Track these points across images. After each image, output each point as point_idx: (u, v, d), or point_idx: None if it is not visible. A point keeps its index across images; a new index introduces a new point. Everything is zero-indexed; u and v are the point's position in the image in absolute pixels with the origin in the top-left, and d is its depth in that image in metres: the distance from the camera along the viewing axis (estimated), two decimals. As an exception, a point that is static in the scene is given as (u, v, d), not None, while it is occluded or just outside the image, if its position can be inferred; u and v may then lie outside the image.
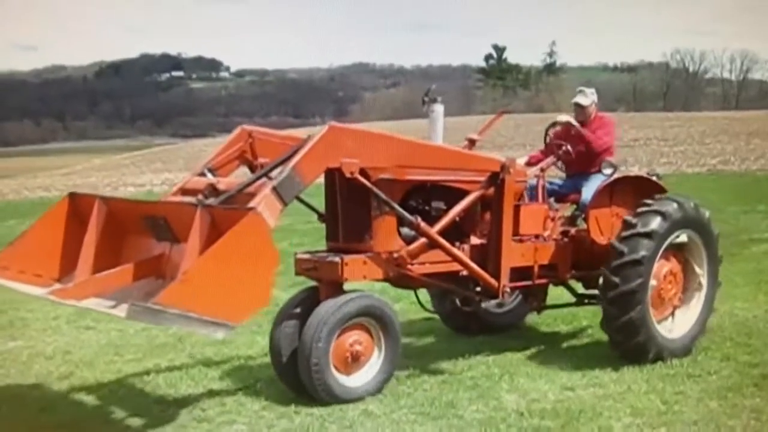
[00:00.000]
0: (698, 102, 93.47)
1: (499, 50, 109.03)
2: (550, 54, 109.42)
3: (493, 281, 7.18)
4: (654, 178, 8.10)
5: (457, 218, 7.16)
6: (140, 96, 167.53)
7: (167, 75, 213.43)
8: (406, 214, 6.66)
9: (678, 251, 7.84)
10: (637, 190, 7.89)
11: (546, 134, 8.67)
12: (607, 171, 8.00)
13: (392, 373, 6.72)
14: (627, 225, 7.41)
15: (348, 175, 6.33)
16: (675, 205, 7.56)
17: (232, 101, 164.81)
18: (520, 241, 7.59)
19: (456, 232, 7.21)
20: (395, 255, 6.71)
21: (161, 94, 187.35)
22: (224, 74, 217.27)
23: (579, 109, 8.52)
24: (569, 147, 8.32)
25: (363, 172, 6.47)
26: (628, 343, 7.38)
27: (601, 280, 7.61)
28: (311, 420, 6.23)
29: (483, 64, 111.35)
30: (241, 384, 7.16)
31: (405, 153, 6.73)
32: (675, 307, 7.88)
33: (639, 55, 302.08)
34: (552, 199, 8.19)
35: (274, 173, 6.35)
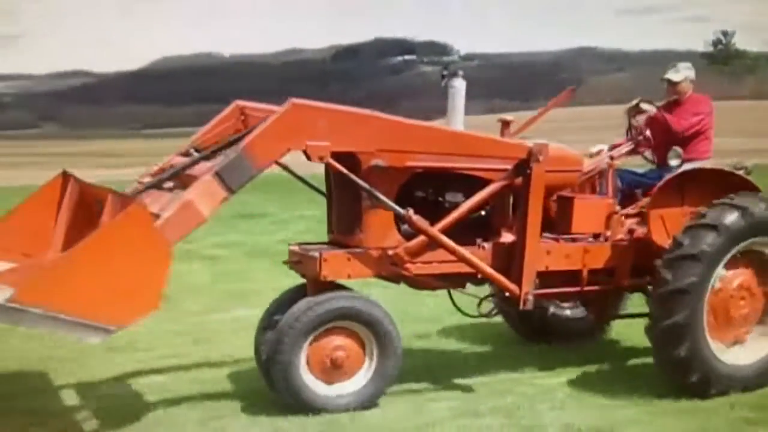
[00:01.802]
0: None
1: (728, 35, 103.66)
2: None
3: (512, 287, 6.32)
4: (740, 172, 7.01)
5: (482, 212, 6.47)
6: (371, 79, 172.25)
7: (400, 58, 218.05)
8: (396, 207, 5.91)
9: (763, 264, 6.72)
10: (717, 186, 6.72)
11: (628, 118, 7.62)
12: (674, 162, 7.04)
13: (385, 386, 6.06)
14: (695, 217, 6.46)
15: (316, 160, 5.66)
16: (736, 213, 6.39)
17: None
18: (573, 240, 6.69)
19: (479, 228, 6.44)
20: (390, 252, 6.01)
21: (392, 77, 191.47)
22: (453, 58, 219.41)
23: (670, 86, 7.58)
24: (648, 132, 7.39)
25: (351, 156, 5.81)
26: (669, 355, 6.35)
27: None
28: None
29: (708, 49, 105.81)
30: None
31: (397, 136, 5.95)
32: (746, 331, 6.71)
33: None
34: (639, 191, 7.31)
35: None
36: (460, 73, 6.61)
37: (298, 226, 16.13)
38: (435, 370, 7.24)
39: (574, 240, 6.74)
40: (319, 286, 6.00)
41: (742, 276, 6.61)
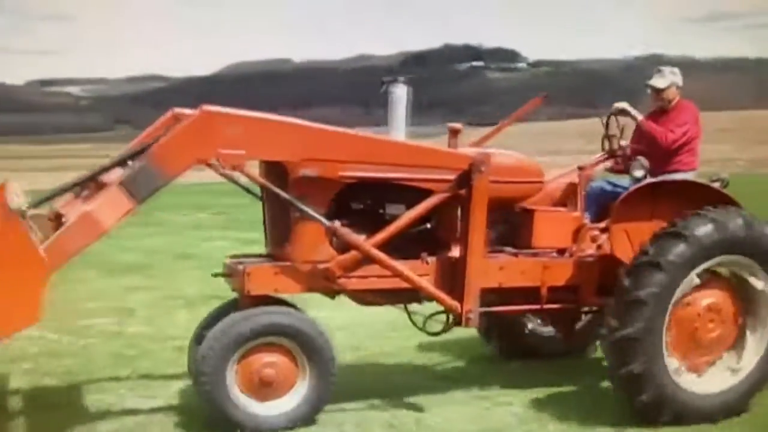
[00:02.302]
0: None
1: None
2: None
3: (453, 303, 5.84)
4: (716, 184, 6.35)
5: (428, 225, 6.01)
6: (438, 84, 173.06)
7: (467, 65, 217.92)
8: (322, 219, 5.54)
9: (730, 280, 6.05)
10: (691, 200, 6.00)
11: (605, 125, 6.77)
12: (638, 173, 6.33)
13: (321, 404, 5.67)
14: (640, 252, 5.77)
15: (228, 169, 5.37)
16: (710, 225, 5.68)
17: (525, 91, 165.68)
18: (535, 255, 6.22)
19: (425, 242, 5.99)
20: (321, 266, 5.64)
21: (459, 82, 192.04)
22: (521, 65, 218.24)
23: (655, 93, 6.84)
24: (623, 142, 6.70)
25: (280, 166, 5.59)
26: (621, 370, 5.70)
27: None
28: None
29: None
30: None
31: (324, 145, 5.59)
32: (712, 359, 5.99)
33: None
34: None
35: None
36: (401, 79, 6.15)
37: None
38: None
39: (535, 255, 6.20)
40: (249, 300, 5.65)
41: (714, 297, 5.91)
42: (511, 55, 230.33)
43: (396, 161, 5.75)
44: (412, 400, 6.26)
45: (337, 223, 5.55)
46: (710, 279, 5.90)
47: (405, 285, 5.82)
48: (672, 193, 6.09)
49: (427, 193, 5.85)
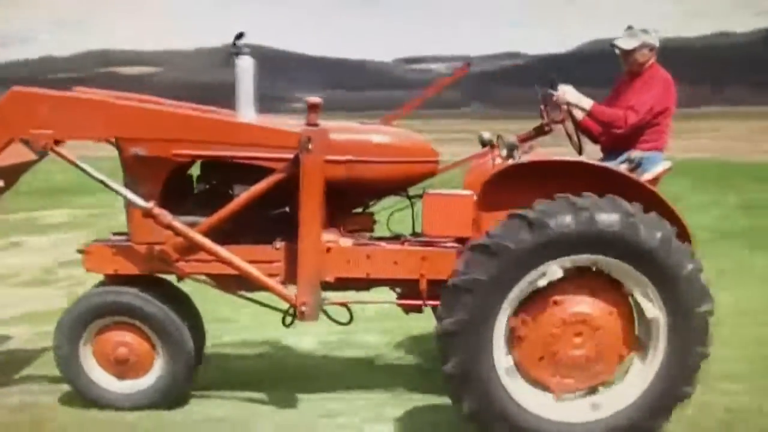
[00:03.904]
0: None
1: None
2: None
3: (288, 295, 5.39)
4: (623, 167, 5.33)
5: (287, 208, 5.54)
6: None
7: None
8: (137, 199, 5.37)
9: (605, 286, 4.77)
10: (595, 186, 4.78)
11: (544, 96, 5.75)
12: (505, 153, 5.56)
13: (176, 389, 5.57)
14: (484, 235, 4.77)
15: (39, 148, 5.42)
16: (569, 214, 4.53)
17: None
18: (427, 244, 5.44)
19: (283, 226, 5.51)
20: (157, 248, 5.46)
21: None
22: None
23: (623, 56, 5.75)
24: (554, 115, 5.70)
25: (117, 145, 5.44)
26: (444, 362, 4.70)
27: None
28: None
29: None
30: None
31: (141, 123, 5.39)
32: (575, 384, 4.78)
33: None
34: None
35: None
36: (247, 50, 5.57)
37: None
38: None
39: (428, 244, 5.47)
40: (111, 279, 5.60)
41: (583, 305, 4.71)
42: None
43: (222, 139, 5.41)
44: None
45: (152, 204, 5.31)
46: (606, 290, 4.73)
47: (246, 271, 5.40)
48: (567, 176, 4.94)
49: (269, 173, 5.42)
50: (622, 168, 5.22)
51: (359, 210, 5.79)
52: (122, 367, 5.52)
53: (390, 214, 5.84)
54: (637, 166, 5.38)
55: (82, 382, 5.53)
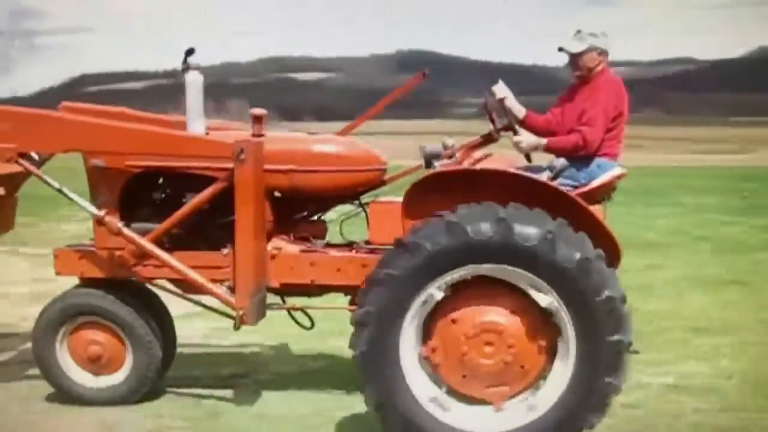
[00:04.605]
0: None
1: None
2: None
3: (228, 299, 5.55)
4: (545, 174, 5.20)
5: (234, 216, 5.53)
6: None
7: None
8: (88, 206, 5.68)
9: (502, 291, 4.71)
10: (516, 194, 4.74)
11: (490, 103, 5.56)
12: (426, 162, 5.49)
13: (140, 387, 5.81)
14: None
15: (3, 161, 5.65)
16: (443, 232, 4.54)
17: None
18: (376, 251, 5.48)
19: (228, 232, 5.59)
20: (117, 253, 5.69)
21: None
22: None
23: (571, 60, 5.46)
24: (501, 122, 5.52)
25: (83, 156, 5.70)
26: (353, 345, 4.77)
27: None
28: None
29: None
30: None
31: (91, 137, 5.64)
32: (492, 395, 4.78)
33: None
34: None
35: None
36: (195, 64, 5.69)
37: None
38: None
39: (376, 252, 5.51)
40: (84, 281, 5.88)
41: (482, 315, 4.68)
42: None
43: (167, 151, 5.62)
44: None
45: (103, 212, 5.57)
46: (497, 295, 4.69)
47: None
48: (485, 186, 4.85)
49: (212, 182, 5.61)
50: (544, 176, 5.06)
51: (314, 218, 5.99)
52: (96, 365, 5.80)
53: (341, 221, 6.00)
54: (558, 174, 5.23)
55: (57, 377, 5.84)
